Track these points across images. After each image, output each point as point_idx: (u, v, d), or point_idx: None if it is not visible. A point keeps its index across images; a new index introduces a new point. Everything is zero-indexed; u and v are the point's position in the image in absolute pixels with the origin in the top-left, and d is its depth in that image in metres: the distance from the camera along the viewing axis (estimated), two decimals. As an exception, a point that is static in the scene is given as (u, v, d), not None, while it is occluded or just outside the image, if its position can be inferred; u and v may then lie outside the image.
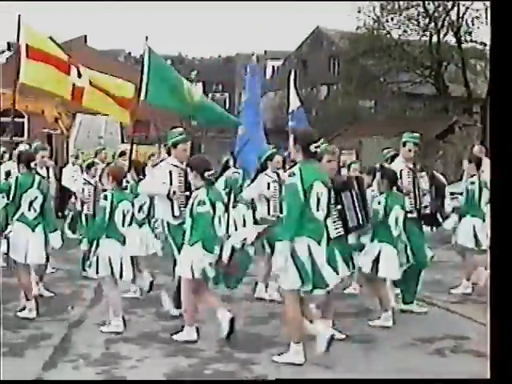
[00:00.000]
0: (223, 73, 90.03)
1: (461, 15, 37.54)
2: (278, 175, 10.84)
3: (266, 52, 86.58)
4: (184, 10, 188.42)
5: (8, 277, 10.37)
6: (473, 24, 37.48)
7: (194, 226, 8.34)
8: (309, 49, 55.35)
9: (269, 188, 10.87)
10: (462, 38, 37.83)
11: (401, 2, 37.94)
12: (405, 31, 38.63)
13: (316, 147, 7.58)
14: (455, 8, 37.49)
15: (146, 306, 10.34)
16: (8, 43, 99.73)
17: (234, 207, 11.01)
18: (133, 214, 9.44)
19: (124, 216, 9.05)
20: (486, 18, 35.86)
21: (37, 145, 11.97)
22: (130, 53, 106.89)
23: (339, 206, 8.46)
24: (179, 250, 8.92)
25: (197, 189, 8.49)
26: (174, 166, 9.70)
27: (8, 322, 9.24)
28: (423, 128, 32.56)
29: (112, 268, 8.94)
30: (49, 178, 12.08)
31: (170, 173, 9.66)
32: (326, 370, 7.51)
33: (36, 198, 9.53)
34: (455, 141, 30.47)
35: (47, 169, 12.46)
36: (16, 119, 21.61)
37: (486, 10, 35.66)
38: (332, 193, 7.85)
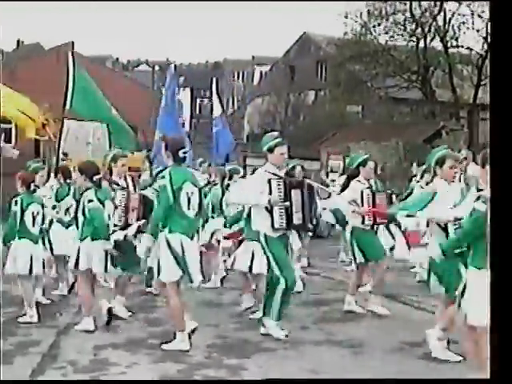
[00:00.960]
0: (211, 79, 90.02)
1: (447, 20, 37.68)
2: (368, 181, 10.73)
3: (253, 57, 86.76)
4: (171, 15, 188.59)
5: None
6: (459, 29, 37.63)
7: (86, 222, 9.22)
8: (296, 54, 55.36)
9: (362, 195, 10.43)
10: (449, 44, 37.95)
11: (388, 8, 38.04)
12: (392, 36, 38.72)
13: (184, 153, 8.34)
14: (442, 13, 37.63)
15: (135, 312, 10.33)
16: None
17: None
18: (43, 216, 10.20)
19: (34, 218, 9.93)
20: (473, 24, 36.06)
21: (116, 151, 10.83)
22: (117, 58, 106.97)
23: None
24: (277, 263, 8.87)
25: (86, 190, 9.29)
26: (273, 174, 8.97)
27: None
28: (410, 133, 32.75)
29: (31, 265, 9.88)
30: (128, 187, 10.61)
31: (270, 181, 8.89)
32: (316, 375, 7.54)
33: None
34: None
35: (125, 178, 10.77)
36: (3, 125, 21.58)
37: (472, 15, 35.88)
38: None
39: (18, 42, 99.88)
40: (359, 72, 40.72)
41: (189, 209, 8.29)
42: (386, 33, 38.73)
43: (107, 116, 12.35)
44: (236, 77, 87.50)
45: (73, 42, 58.75)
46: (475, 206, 6.30)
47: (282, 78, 51.13)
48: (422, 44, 38.20)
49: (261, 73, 74.46)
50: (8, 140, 32.40)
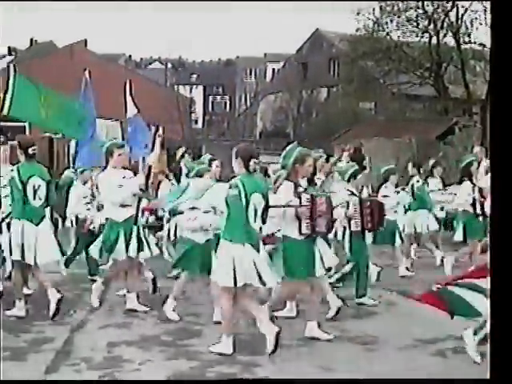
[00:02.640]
0: (223, 76, 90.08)
1: (460, 16, 37.51)
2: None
3: (265, 55, 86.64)
4: (184, 12, 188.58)
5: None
6: (472, 25, 37.42)
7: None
8: (309, 51, 55.34)
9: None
10: (461, 40, 37.78)
11: (400, 4, 37.92)
12: (404, 33, 38.59)
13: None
14: (454, 9, 37.48)
15: (149, 309, 10.35)
16: (9, 47, 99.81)
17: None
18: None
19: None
20: (485, 19, 35.85)
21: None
22: (130, 56, 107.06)
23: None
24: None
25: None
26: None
27: (10, 326, 9.27)
28: (423, 129, 32.63)
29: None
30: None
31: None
32: (329, 371, 7.54)
33: None
34: (455, 142, 30.41)
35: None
36: (17, 123, 21.68)
37: (485, 11, 35.64)
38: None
39: (32, 40, 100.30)
40: (372, 68, 40.65)
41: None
42: (399, 29, 38.59)
43: (43, 122, 12.84)
44: (248, 74, 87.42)
45: (86, 40, 59.04)
46: None
47: (295, 75, 51.10)
48: (434, 40, 38.05)
49: (273, 70, 74.45)
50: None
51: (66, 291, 11.49)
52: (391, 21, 38.42)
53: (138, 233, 10.25)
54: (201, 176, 10.11)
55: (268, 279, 8.19)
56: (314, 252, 8.74)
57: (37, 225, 9.79)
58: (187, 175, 11.10)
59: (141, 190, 9.95)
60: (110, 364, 7.78)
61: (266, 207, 8.27)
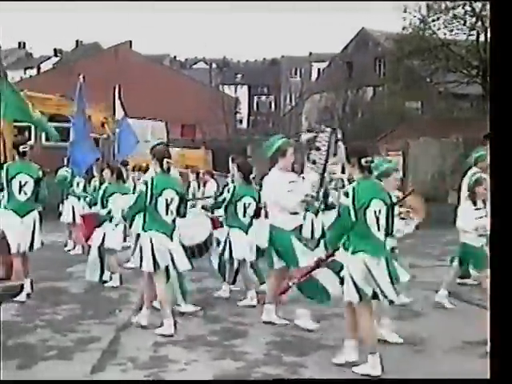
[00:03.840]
0: (268, 75, 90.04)
1: (508, 14, 37.12)
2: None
3: (310, 54, 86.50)
4: (228, 13, 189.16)
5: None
6: (521, 22, 37.03)
7: None
8: (354, 50, 55.11)
9: None
10: (510, 37, 37.39)
11: (447, 2, 37.60)
12: (451, 31, 38.26)
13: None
14: (502, 6, 37.07)
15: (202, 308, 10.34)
16: (55, 49, 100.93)
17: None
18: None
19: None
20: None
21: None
22: (175, 57, 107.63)
23: None
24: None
25: None
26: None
27: (57, 326, 9.32)
28: (470, 128, 32.27)
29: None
30: None
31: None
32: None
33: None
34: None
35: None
36: (63, 124, 21.95)
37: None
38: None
39: (77, 41, 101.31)
40: (418, 67, 40.34)
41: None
42: (446, 27, 38.26)
43: (33, 119, 13.55)
44: (293, 73, 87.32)
45: (130, 41, 59.38)
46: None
47: (340, 74, 50.86)
48: (482, 38, 37.63)
49: (318, 69, 74.20)
50: (68, 138, 32.88)
51: (112, 291, 11.56)
52: (438, 18, 38.11)
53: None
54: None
55: (179, 264, 9.23)
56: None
57: (22, 217, 10.82)
58: None
59: (311, 196, 9.44)
60: (155, 364, 7.77)
61: (181, 201, 9.28)
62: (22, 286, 8.01)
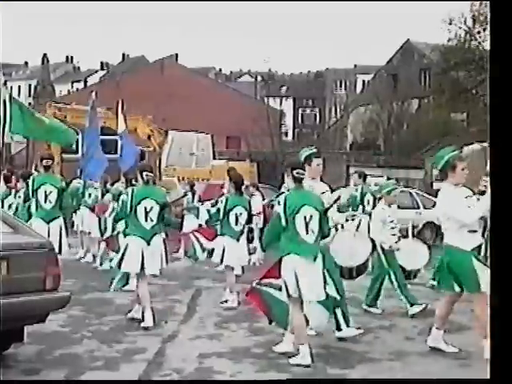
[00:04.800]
0: (313, 88, 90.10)
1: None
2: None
3: (355, 66, 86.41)
4: (273, 27, 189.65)
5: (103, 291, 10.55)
6: None
7: None
8: (399, 62, 54.96)
9: None
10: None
11: (493, 13, 37.37)
12: (497, 42, 38.03)
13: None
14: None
15: (239, 321, 10.36)
16: (101, 62, 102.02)
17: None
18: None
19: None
20: None
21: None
22: (220, 69, 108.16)
23: None
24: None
25: None
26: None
27: (103, 336, 9.40)
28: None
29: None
30: None
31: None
32: None
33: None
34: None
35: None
36: (109, 137, 22.21)
37: None
38: None
39: (123, 55, 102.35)
40: (464, 79, 40.11)
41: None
42: (492, 38, 38.03)
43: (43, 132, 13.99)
44: (338, 86, 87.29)
45: (177, 54, 59.75)
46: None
47: (385, 86, 50.77)
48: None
49: (363, 81, 74.10)
50: (114, 151, 33.18)
51: (158, 302, 11.61)
52: (484, 30, 37.87)
53: None
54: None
55: (148, 268, 10.12)
56: None
57: (48, 223, 12.03)
58: None
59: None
60: (200, 375, 7.80)
61: (162, 209, 10.20)
62: (69, 297, 8.09)
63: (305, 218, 8.22)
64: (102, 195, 16.21)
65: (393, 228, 11.34)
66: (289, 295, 8.23)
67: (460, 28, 38.13)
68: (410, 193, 24.08)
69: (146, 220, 10.13)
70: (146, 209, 10.13)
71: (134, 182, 11.37)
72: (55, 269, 7.85)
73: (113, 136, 21.59)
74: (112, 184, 16.23)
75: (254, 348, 8.95)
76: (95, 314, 10.77)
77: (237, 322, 10.31)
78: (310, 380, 7.57)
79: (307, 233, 8.24)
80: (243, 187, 12.07)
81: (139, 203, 10.13)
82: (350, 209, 15.23)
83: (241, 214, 11.78)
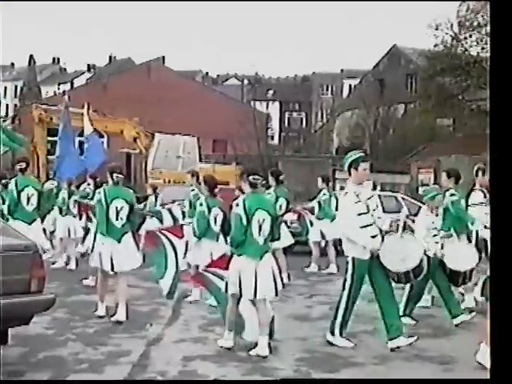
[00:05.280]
0: (300, 92, 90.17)
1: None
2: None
3: (342, 71, 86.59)
4: (260, 30, 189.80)
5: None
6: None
7: None
8: (386, 67, 55.07)
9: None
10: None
11: (479, 19, 37.48)
12: (483, 48, 38.13)
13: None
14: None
15: (224, 324, 10.36)
16: (88, 65, 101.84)
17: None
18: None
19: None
20: None
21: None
22: (207, 73, 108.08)
23: None
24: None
25: None
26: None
27: (88, 339, 9.39)
28: (503, 146, 32.14)
29: None
30: None
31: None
32: None
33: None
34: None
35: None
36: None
37: None
38: None
39: (110, 57, 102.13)
40: (450, 85, 40.21)
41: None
42: (478, 44, 38.15)
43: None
44: (325, 90, 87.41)
45: (163, 57, 59.76)
46: None
47: (372, 91, 50.87)
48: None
49: (350, 86, 74.30)
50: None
51: (143, 305, 11.61)
52: (470, 36, 38.00)
53: None
54: None
55: (116, 265, 10.53)
56: None
57: (30, 224, 12.57)
58: None
59: None
60: (185, 378, 7.80)
61: (131, 209, 10.73)
62: (54, 300, 8.07)
63: (258, 220, 8.78)
64: (69, 197, 16.22)
65: (435, 235, 11.01)
66: (226, 291, 8.91)
67: (446, 34, 38.25)
68: (396, 197, 24.09)
69: (117, 219, 10.62)
70: (117, 208, 10.62)
71: (99, 184, 11.78)
72: (40, 271, 7.82)
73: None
74: (78, 186, 16.34)
75: (239, 351, 8.96)
76: (80, 317, 10.76)
77: (221, 325, 10.29)
78: (302, 380, 7.57)
79: (259, 235, 8.78)
80: (216, 190, 12.22)
81: (111, 203, 10.60)
82: (320, 214, 16.47)
83: (217, 214, 12.08)
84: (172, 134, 30.18)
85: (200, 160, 30.23)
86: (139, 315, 10.95)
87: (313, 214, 16.49)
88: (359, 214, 8.88)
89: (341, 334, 9.11)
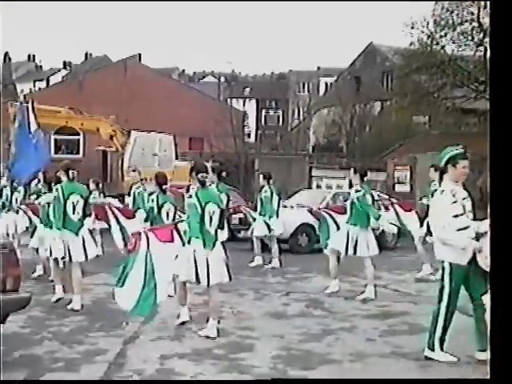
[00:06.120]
0: (276, 90, 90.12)
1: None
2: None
3: (319, 68, 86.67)
4: (237, 27, 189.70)
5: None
6: (528, 38, 36.99)
7: None
8: (362, 65, 55.12)
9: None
10: (518, 53, 37.33)
11: (455, 18, 37.60)
12: (459, 46, 38.24)
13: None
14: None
15: (201, 322, 10.34)
16: (64, 62, 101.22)
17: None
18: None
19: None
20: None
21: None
22: (183, 70, 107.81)
23: None
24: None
25: None
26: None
27: (64, 337, 9.36)
28: (478, 143, 32.28)
29: None
30: None
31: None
32: None
33: None
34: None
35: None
36: (71, 137, 22.13)
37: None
38: None
39: (86, 54, 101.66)
40: (426, 82, 40.29)
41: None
42: (454, 42, 38.26)
43: None
44: (301, 88, 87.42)
45: (140, 55, 59.50)
46: None
47: (348, 88, 50.91)
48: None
49: (326, 84, 74.33)
50: (76, 151, 33.05)
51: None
52: (445, 34, 38.11)
53: None
54: None
55: (73, 256, 11.38)
56: None
57: None
58: None
59: None
60: (162, 377, 7.79)
61: (85, 204, 11.65)
62: (30, 298, 8.04)
63: (209, 212, 9.67)
64: (24, 196, 16.43)
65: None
66: (198, 281, 9.66)
67: (422, 32, 38.30)
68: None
69: (74, 213, 11.48)
70: (73, 203, 11.49)
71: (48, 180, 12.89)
72: (16, 270, 7.79)
73: (75, 136, 21.51)
74: (28, 184, 16.40)
75: (216, 349, 8.96)
76: (56, 315, 10.72)
77: (198, 324, 10.29)
78: (294, 380, 7.58)
79: (210, 225, 9.66)
80: (165, 186, 12.72)
81: (68, 198, 11.43)
82: (262, 210, 17.16)
83: (169, 209, 12.64)
84: (148, 131, 30.11)
85: (176, 158, 30.17)
86: (115, 313, 10.92)
87: (255, 210, 17.63)
88: (455, 216, 8.04)
89: (441, 349, 8.35)
